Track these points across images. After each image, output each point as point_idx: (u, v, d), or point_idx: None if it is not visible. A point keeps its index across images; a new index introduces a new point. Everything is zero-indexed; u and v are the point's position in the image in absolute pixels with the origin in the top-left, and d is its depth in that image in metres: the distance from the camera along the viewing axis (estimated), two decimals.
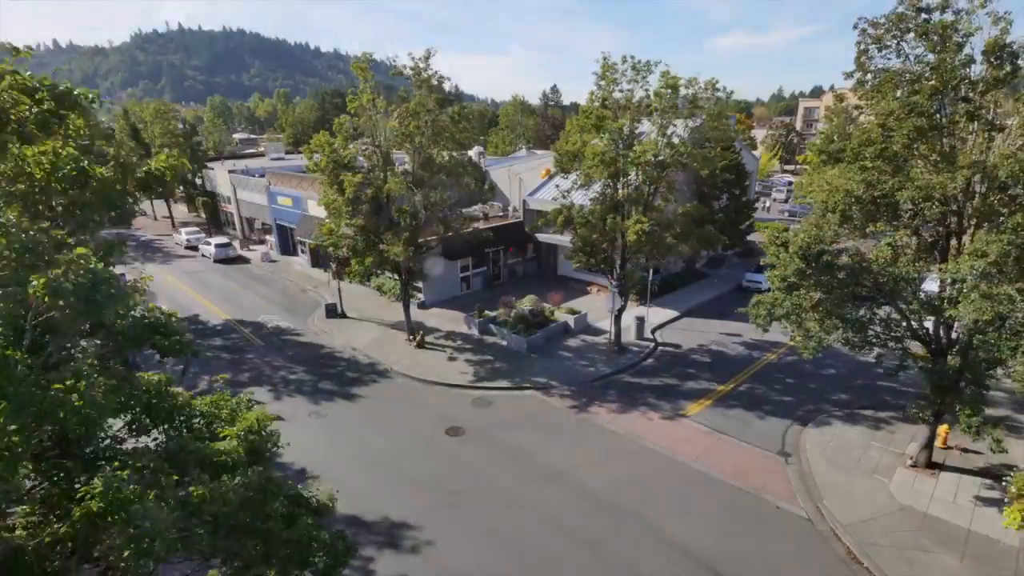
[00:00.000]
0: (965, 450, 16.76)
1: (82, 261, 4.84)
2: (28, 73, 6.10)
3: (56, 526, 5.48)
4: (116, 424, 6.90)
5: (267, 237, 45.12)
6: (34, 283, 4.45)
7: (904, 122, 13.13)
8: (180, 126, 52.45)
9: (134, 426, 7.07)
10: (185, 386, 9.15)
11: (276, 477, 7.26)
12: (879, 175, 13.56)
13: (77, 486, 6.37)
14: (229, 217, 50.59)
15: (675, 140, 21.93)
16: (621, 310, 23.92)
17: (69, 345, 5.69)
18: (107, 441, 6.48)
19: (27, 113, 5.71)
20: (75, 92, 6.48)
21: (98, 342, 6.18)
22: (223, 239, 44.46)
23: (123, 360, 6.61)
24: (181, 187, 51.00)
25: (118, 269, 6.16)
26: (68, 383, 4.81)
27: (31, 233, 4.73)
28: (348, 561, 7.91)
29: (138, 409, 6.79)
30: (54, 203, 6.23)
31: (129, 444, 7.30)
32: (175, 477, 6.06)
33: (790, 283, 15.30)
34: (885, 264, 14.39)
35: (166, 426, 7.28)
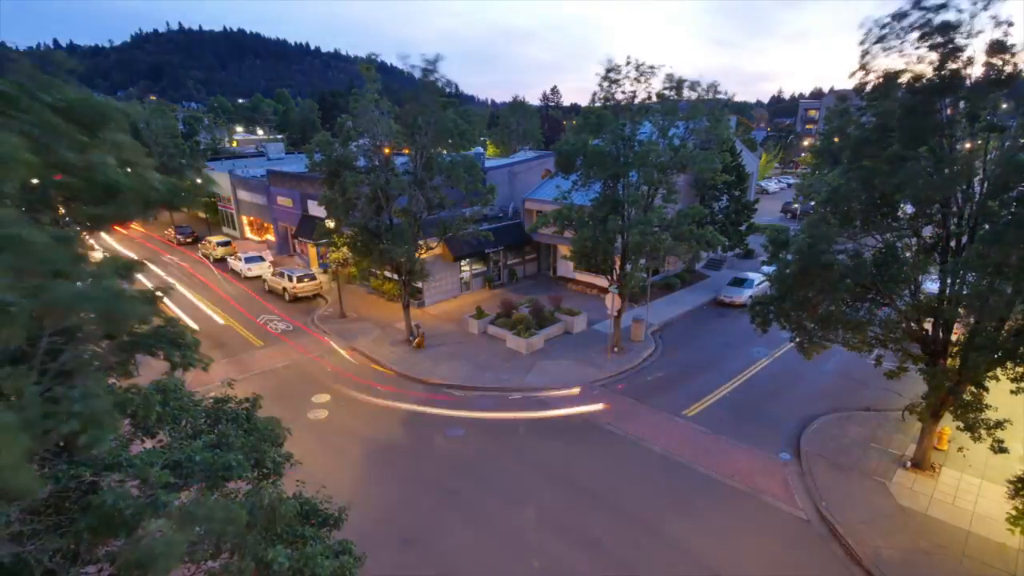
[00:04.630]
0: (964, 451, 16.78)
1: (101, 273, 4.82)
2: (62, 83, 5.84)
3: (60, 534, 5.48)
4: (122, 424, 6.92)
5: (267, 237, 45.10)
6: (53, 292, 4.44)
7: (903, 121, 13.15)
8: (180, 127, 52.55)
9: (139, 431, 7.09)
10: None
11: (287, 498, 7.24)
12: (878, 176, 13.57)
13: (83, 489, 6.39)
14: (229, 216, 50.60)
15: (676, 142, 21.98)
16: (620, 311, 23.95)
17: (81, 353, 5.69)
18: (113, 445, 6.52)
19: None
20: (113, 107, 6.18)
21: (103, 349, 6.18)
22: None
23: (125, 370, 6.60)
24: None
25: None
26: (76, 407, 4.75)
27: (54, 240, 4.68)
28: (355, 572, 7.91)
29: (143, 416, 6.81)
30: (77, 211, 6.13)
31: (135, 445, 7.34)
32: (179, 492, 6.06)
33: (788, 284, 15.35)
34: (883, 265, 14.42)
35: (171, 428, 7.32)
